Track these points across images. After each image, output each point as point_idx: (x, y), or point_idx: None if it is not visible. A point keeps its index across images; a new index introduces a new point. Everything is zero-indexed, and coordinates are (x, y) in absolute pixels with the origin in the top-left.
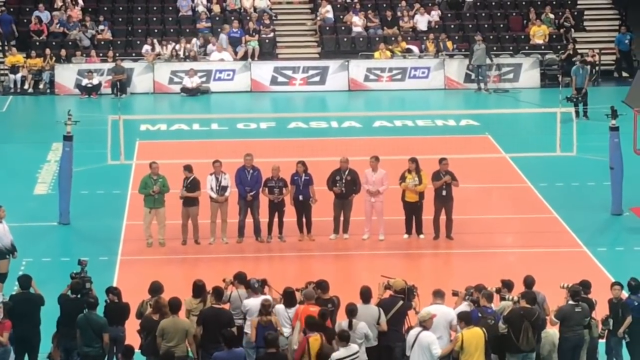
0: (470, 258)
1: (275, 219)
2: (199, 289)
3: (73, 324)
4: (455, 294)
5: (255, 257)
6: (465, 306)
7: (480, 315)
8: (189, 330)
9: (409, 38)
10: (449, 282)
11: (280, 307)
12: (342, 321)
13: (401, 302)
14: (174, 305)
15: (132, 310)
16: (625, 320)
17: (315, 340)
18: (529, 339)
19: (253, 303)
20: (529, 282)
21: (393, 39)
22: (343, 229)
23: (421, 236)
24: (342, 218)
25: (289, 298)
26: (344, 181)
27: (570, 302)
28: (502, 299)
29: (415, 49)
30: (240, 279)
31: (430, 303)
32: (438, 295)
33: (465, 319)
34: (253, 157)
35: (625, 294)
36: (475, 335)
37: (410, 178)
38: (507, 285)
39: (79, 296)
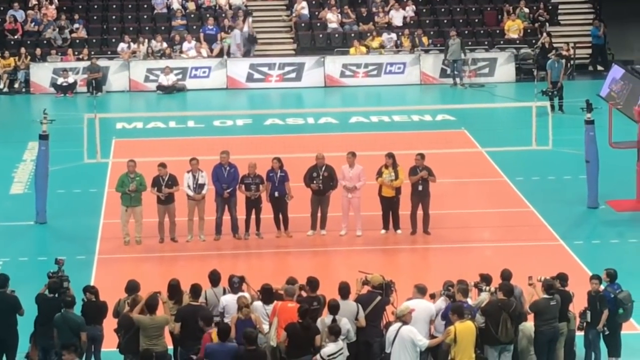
0: (447, 253)
1: (253, 216)
2: (173, 289)
3: (50, 323)
4: (432, 296)
5: (232, 254)
6: (442, 301)
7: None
8: (167, 322)
9: (384, 34)
10: (427, 277)
11: (258, 304)
12: (325, 317)
13: (379, 298)
14: (151, 304)
15: (110, 309)
16: (603, 314)
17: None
18: (507, 331)
19: (231, 300)
20: (506, 275)
21: (369, 35)
22: (320, 225)
23: (398, 231)
24: (319, 214)
25: (266, 295)
26: (321, 177)
27: (545, 295)
28: (480, 291)
29: (392, 36)
30: (213, 278)
31: (410, 297)
32: (420, 290)
33: (458, 312)
34: (229, 154)
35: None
36: (467, 329)
37: (387, 173)
38: (486, 279)
39: (56, 295)
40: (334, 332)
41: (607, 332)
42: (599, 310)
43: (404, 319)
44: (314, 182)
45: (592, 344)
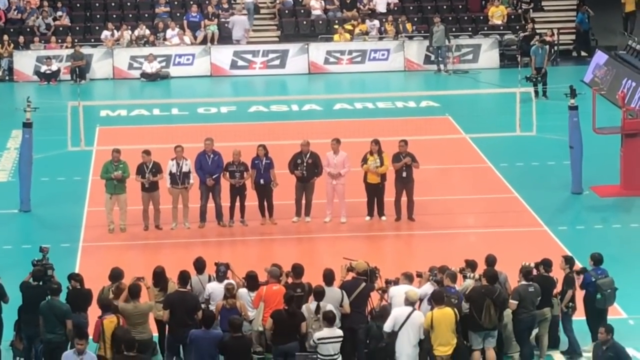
0: (431, 239)
1: (237, 203)
2: (158, 277)
3: (35, 312)
4: (419, 275)
5: (217, 241)
6: (429, 286)
7: (444, 295)
8: (151, 309)
9: (367, 20)
10: (411, 264)
11: (243, 291)
12: (310, 304)
13: (364, 284)
14: (134, 291)
15: (95, 296)
16: (567, 294)
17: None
18: (491, 317)
19: (216, 287)
20: (490, 260)
21: (352, 20)
22: (305, 212)
23: (383, 218)
24: (303, 201)
25: (251, 282)
26: (305, 164)
27: (523, 282)
28: (465, 277)
29: (375, 22)
30: (198, 266)
31: (396, 280)
32: (407, 277)
33: (436, 299)
34: (213, 141)
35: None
36: (445, 314)
37: (372, 160)
38: (471, 265)
39: (40, 283)
40: (329, 319)
41: (570, 312)
42: (564, 291)
43: (413, 304)
44: (298, 168)
45: (566, 327)
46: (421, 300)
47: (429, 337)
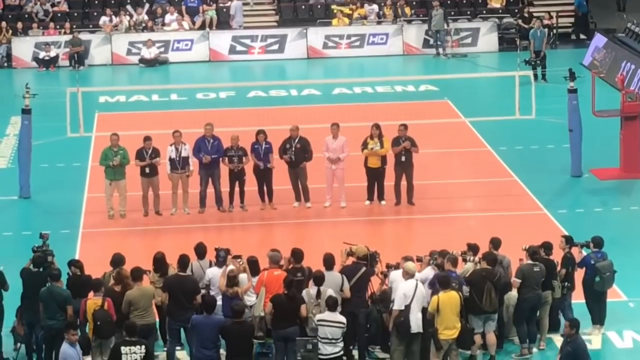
0: (431, 223)
1: (237, 189)
2: (158, 262)
3: (36, 298)
4: (419, 259)
5: (217, 226)
6: (429, 270)
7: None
8: (155, 294)
9: (366, 5)
10: (411, 248)
11: (243, 277)
12: (310, 289)
13: (364, 269)
14: (136, 273)
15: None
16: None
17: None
18: (491, 300)
19: (217, 272)
20: (495, 242)
21: (351, 5)
22: (304, 198)
23: (383, 202)
24: (300, 186)
25: (252, 267)
26: (293, 149)
27: (529, 261)
28: (465, 261)
29: (374, 7)
30: (199, 251)
31: (396, 266)
32: (407, 261)
33: (442, 283)
34: (213, 126)
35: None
36: (451, 298)
37: (373, 144)
38: (473, 248)
39: (40, 270)
40: (331, 305)
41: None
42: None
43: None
44: (287, 153)
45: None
46: (423, 283)
47: (434, 321)
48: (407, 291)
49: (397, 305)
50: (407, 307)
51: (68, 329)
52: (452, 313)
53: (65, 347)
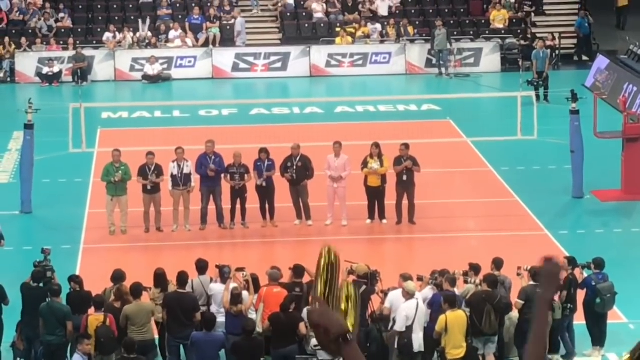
0: (432, 243)
1: (238, 206)
2: (158, 278)
3: (35, 313)
4: (420, 279)
5: (218, 243)
6: (429, 290)
7: (442, 298)
8: (154, 311)
9: (369, 24)
10: (412, 267)
11: (245, 294)
12: (310, 307)
13: (364, 287)
14: (136, 290)
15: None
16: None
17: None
18: (491, 322)
19: (219, 289)
20: (497, 263)
21: (354, 24)
22: (305, 216)
23: (384, 221)
24: (301, 204)
25: (253, 284)
26: (294, 167)
27: (531, 282)
28: (466, 282)
29: (377, 26)
30: (200, 266)
31: (396, 287)
32: (406, 279)
33: (449, 302)
34: (215, 143)
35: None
36: (458, 318)
37: (373, 163)
38: (475, 268)
39: (40, 285)
40: None
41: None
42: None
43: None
44: (288, 172)
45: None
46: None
47: (440, 340)
48: (409, 312)
49: (399, 326)
50: (409, 327)
51: (82, 339)
52: (460, 332)
53: (77, 358)
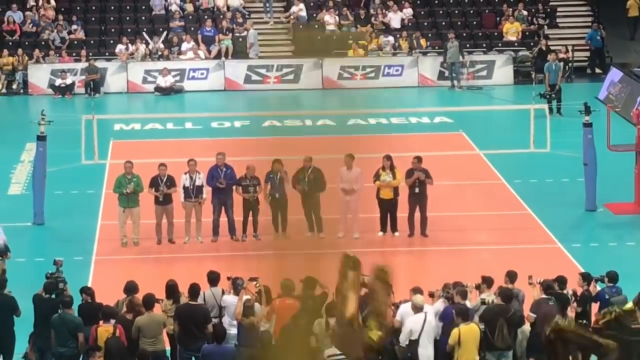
0: (444, 255)
1: (250, 218)
2: (170, 290)
3: (47, 324)
4: (431, 295)
5: (230, 255)
6: (440, 304)
7: (453, 312)
8: (165, 322)
9: (382, 36)
10: (424, 280)
11: (257, 306)
12: (321, 320)
13: None
14: (149, 301)
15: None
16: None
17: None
18: (504, 337)
19: (231, 300)
20: (511, 275)
21: (367, 37)
22: (317, 228)
23: (396, 234)
24: (313, 216)
25: (265, 296)
26: (307, 180)
27: (543, 295)
28: (483, 302)
29: (390, 38)
30: (212, 278)
31: (407, 300)
32: (417, 292)
33: (462, 315)
34: (225, 155)
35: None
36: (472, 331)
37: (385, 175)
38: (487, 281)
39: (52, 296)
40: None
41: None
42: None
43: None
44: (300, 184)
45: None
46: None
47: (453, 354)
48: (414, 326)
49: (402, 340)
50: (415, 341)
51: (93, 351)
52: (474, 346)
53: None
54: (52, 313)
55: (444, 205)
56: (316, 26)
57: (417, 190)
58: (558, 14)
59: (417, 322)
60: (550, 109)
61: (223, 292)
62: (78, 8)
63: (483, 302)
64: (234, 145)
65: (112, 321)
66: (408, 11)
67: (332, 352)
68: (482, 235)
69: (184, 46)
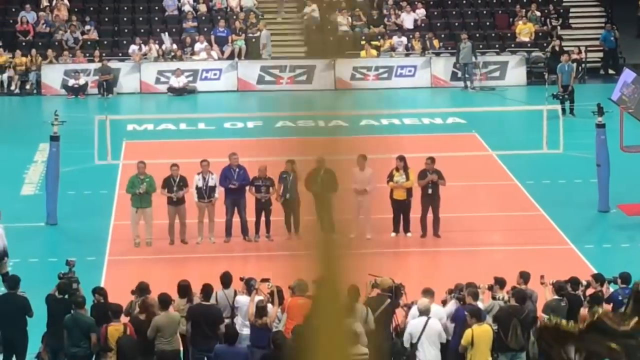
0: (457, 256)
1: (263, 218)
2: (183, 289)
3: (60, 325)
4: (444, 302)
5: (242, 256)
6: (452, 305)
7: (466, 313)
8: (181, 322)
9: (394, 37)
10: (437, 281)
11: (269, 306)
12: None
13: (389, 301)
14: (164, 301)
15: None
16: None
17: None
18: (517, 337)
19: (244, 301)
20: (525, 276)
21: (379, 37)
22: (330, 229)
23: (408, 234)
24: None
25: (277, 296)
26: (319, 181)
27: (555, 296)
28: (494, 298)
29: (403, 39)
30: (224, 280)
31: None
32: (427, 293)
33: (476, 315)
34: (238, 156)
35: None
36: (485, 332)
37: (398, 176)
38: (500, 282)
39: (65, 297)
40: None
41: None
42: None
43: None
44: (313, 185)
45: None
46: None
47: (464, 354)
48: (414, 329)
49: (404, 342)
50: (414, 345)
51: (105, 352)
52: (486, 347)
53: None
54: (65, 313)
55: (456, 206)
56: (329, 27)
57: (430, 191)
58: (571, 14)
59: (417, 326)
60: (563, 110)
61: (235, 293)
62: (91, 8)
63: (494, 298)
64: (247, 145)
65: (122, 319)
66: (421, 12)
67: (360, 350)
68: (495, 236)
69: (197, 47)
